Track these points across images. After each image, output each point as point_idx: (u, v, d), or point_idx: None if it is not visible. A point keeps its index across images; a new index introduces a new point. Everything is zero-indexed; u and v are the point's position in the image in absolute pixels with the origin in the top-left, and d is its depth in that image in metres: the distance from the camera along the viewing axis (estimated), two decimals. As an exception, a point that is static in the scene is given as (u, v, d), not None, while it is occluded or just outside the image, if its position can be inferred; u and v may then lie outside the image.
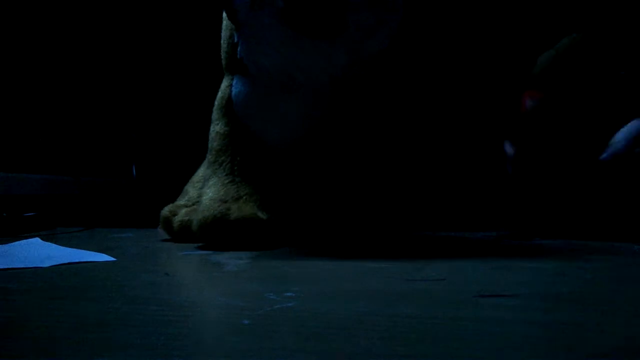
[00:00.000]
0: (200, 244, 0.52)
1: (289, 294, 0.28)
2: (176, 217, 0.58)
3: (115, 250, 0.48)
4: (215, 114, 0.58)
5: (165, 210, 0.60)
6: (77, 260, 0.41)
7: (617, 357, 0.18)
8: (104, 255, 0.43)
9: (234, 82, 0.56)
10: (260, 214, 0.50)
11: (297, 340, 0.20)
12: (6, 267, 0.38)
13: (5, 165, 0.91)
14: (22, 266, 0.38)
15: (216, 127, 0.57)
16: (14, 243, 0.52)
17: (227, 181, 0.54)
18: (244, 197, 0.52)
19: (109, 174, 1.13)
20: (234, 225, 0.49)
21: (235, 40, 0.52)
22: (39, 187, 0.94)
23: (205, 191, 0.54)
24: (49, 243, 0.52)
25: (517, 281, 0.33)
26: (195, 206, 0.57)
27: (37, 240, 0.54)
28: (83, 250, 0.46)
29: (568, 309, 0.25)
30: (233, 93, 0.55)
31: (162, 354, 0.18)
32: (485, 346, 0.19)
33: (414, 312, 0.24)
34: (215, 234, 0.50)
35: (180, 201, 0.63)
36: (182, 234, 0.56)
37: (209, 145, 0.57)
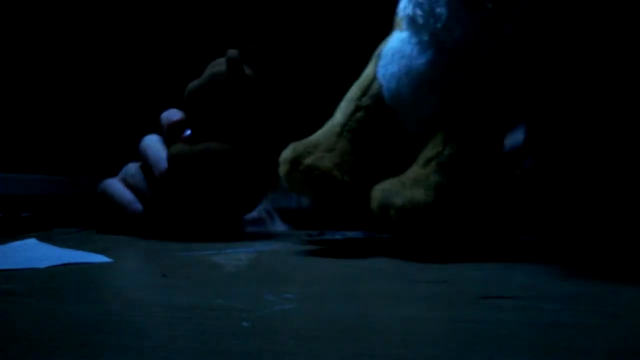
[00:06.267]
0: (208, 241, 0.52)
1: (288, 295, 0.28)
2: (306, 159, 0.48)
3: (112, 251, 0.48)
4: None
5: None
6: (73, 261, 0.41)
7: (618, 358, 0.18)
8: (101, 256, 0.43)
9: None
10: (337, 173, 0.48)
11: (297, 342, 0.20)
12: (2, 268, 0.38)
13: (1, 164, 0.91)
14: (18, 267, 0.38)
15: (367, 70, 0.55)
16: (10, 243, 0.52)
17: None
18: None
19: (107, 174, 1.12)
20: None
21: None
22: (35, 187, 0.94)
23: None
24: (46, 244, 0.52)
25: (519, 283, 0.33)
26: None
27: (34, 240, 0.54)
28: (80, 251, 0.46)
29: (570, 311, 0.25)
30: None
31: (160, 357, 0.18)
32: (486, 348, 0.19)
33: (415, 314, 0.24)
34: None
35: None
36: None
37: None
